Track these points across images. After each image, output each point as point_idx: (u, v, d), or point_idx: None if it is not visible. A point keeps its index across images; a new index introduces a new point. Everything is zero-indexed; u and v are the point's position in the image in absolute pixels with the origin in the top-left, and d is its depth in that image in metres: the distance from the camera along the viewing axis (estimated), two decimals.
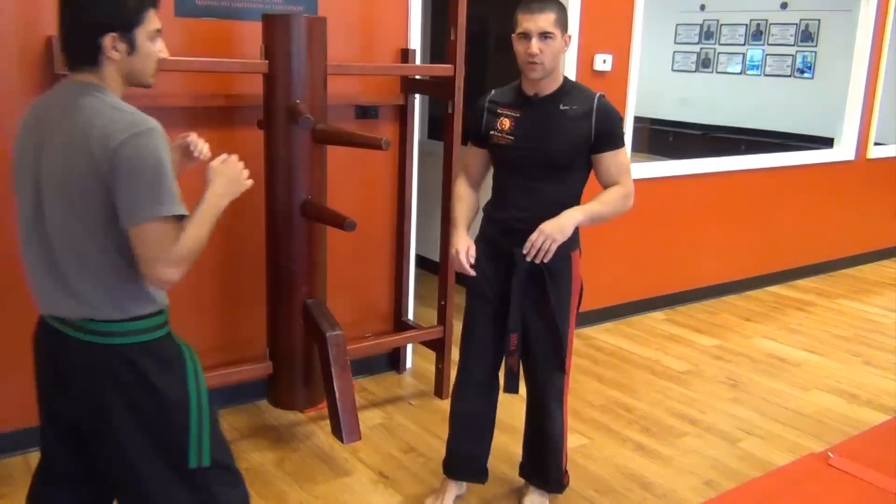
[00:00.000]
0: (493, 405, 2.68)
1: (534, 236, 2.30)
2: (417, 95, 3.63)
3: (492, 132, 2.44)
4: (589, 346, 4.35)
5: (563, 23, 2.33)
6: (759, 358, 4.30)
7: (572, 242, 2.45)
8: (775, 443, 3.34)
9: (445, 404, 2.55)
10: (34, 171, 1.63)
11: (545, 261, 2.32)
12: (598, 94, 2.41)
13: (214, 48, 3.05)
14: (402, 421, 3.39)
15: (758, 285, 5.54)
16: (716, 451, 3.25)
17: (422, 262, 4.42)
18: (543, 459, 2.69)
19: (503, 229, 2.47)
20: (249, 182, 1.80)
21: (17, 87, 2.76)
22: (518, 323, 2.46)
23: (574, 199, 2.45)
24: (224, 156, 1.78)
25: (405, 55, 3.55)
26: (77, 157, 1.55)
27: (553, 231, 2.29)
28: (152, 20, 1.63)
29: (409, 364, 3.94)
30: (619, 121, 2.42)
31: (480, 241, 2.51)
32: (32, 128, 1.66)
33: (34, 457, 2.95)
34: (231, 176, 1.76)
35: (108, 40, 1.58)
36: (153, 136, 1.56)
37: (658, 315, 4.90)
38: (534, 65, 2.31)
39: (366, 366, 3.80)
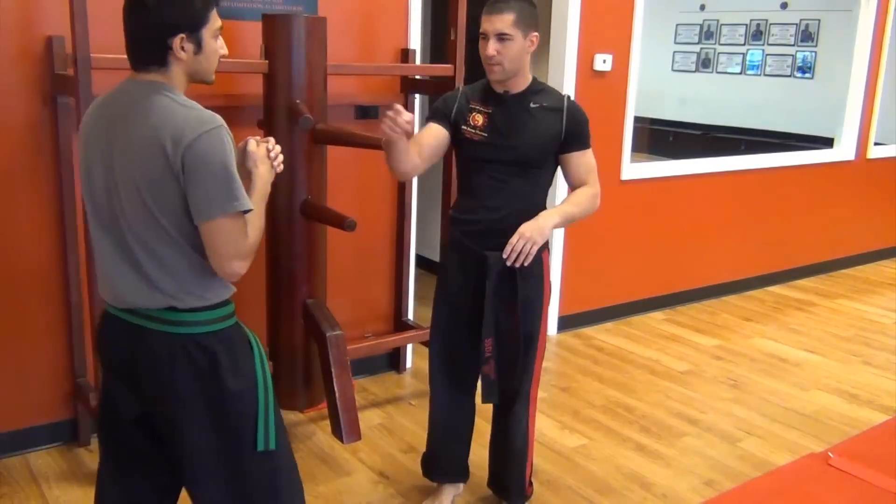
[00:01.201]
0: (471, 412, 2.67)
1: (514, 239, 2.25)
2: (417, 95, 3.63)
3: (463, 127, 2.38)
4: (589, 346, 4.35)
5: (524, 23, 2.27)
6: (759, 358, 4.30)
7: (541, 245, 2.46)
8: (775, 443, 3.34)
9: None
10: (106, 171, 1.65)
11: (525, 264, 2.28)
12: (566, 96, 2.42)
13: None
14: (402, 421, 3.39)
15: (758, 285, 5.54)
16: (716, 451, 3.25)
17: (422, 262, 4.43)
18: (505, 469, 2.66)
19: (474, 231, 2.42)
20: (281, 167, 1.85)
21: (17, 87, 2.76)
22: (492, 328, 2.41)
23: (542, 198, 2.46)
24: (254, 140, 1.82)
25: (405, 55, 3.56)
26: (151, 156, 1.58)
27: (533, 233, 2.26)
28: (215, 19, 1.67)
29: (409, 364, 3.94)
30: (587, 122, 2.42)
31: (450, 252, 2.51)
32: (100, 128, 1.68)
33: (34, 457, 2.97)
34: (264, 158, 1.81)
35: (177, 41, 1.62)
36: (222, 134, 1.60)
37: (658, 315, 4.90)
38: (492, 66, 2.29)
39: (366, 366, 3.80)
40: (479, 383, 2.52)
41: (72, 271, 2.93)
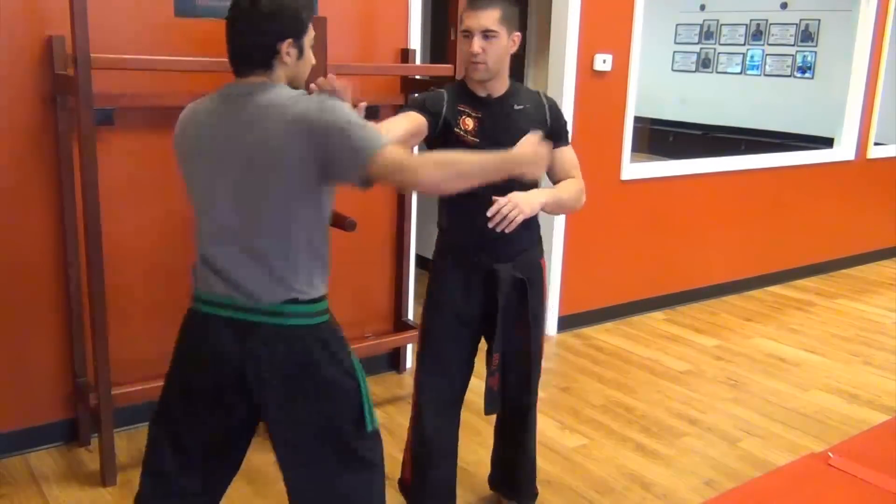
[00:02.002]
0: (458, 429, 2.55)
1: (503, 201, 2.11)
2: (417, 95, 3.62)
3: (455, 129, 2.26)
4: (589, 346, 4.35)
5: (509, 21, 2.21)
6: (759, 358, 4.30)
7: (540, 247, 2.44)
8: (775, 443, 3.34)
9: (471, 399, 2.52)
10: (232, 169, 1.70)
11: (507, 231, 2.14)
12: (541, 92, 2.39)
13: (214, 48, 3.03)
14: (402, 421, 3.38)
15: (758, 285, 5.54)
16: (716, 451, 3.25)
17: (422, 262, 4.42)
18: (520, 473, 2.65)
19: (476, 243, 2.33)
20: (540, 171, 1.89)
21: (17, 87, 2.76)
22: (501, 342, 2.37)
23: None
24: (538, 135, 1.89)
25: (405, 55, 3.56)
26: (283, 144, 1.64)
27: (522, 202, 2.12)
28: (311, 29, 1.79)
29: (409, 364, 3.93)
30: (564, 117, 2.42)
31: (449, 268, 2.40)
32: (215, 128, 1.74)
33: (34, 457, 2.97)
34: (532, 157, 1.83)
35: (285, 46, 1.72)
36: (335, 99, 1.70)
37: (658, 315, 4.90)
38: (476, 65, 2.21)
39: (366, 366, 3.74)
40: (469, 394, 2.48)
41: (72, 271, 2.93)
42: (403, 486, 2.62)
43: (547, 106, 2.36)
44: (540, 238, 2.48)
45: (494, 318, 2.36)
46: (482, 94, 2.30)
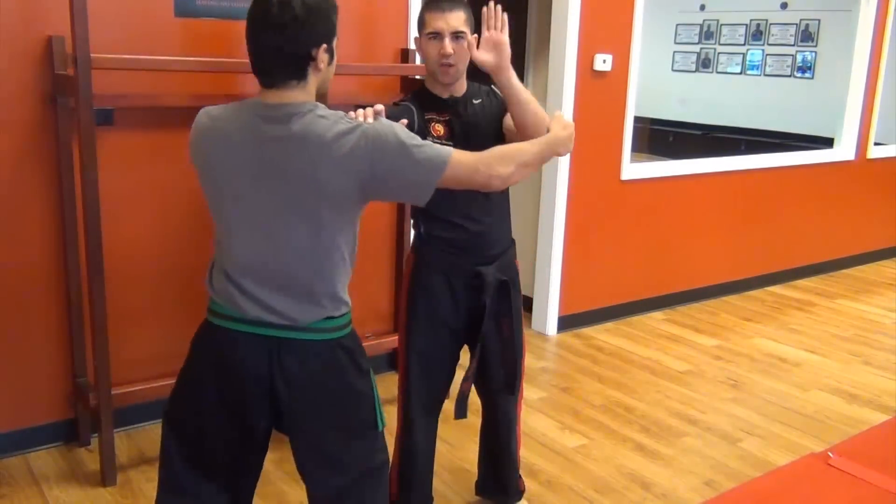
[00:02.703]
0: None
1: (492, 5, 2.08)
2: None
3: (429, 138, 2.15)
4: (589, 346, 4.35)
5: (471, 23, 2.21)
6: (759, 358, 4.30)
7: (514, 245, 2.44)
8: (775, 443, 3.34)
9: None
10: (262, 196, 1.64)
11: (500, 30, 2.10)
12: (490, 86, 2.35)
13: (214, 48, 3.05)
14: None
15: (758, 285, 5.54)
16: (716, 451, 3.25)
17: None
18: (506, 473, 2.65)
19: (460, 247, 2.31)
20: (570, 148, 1.97)
21: (17, 87, 2.76)
22: (483, 347, 2.37)
23: (508, 205, 2.40)
24: (562, 113, 2.02)
25: (405, 55, 3.56)
26: (322, 176, 1.60)
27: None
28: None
29: None
30: None
31: (432, 278, 2.34)
32: (245, 149, 1.65)
33: (34, 457, 2.97)
34: (570, 134, 1.94)
35: (320, 52, 1.65)
36: (382, 119, 1.70)
37: (658, 315, 4.90)
38: (448, 66, 2.18)
39: None
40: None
41: (72, 271, 2.93)
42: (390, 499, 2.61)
43: (496, 94, 2.33)
44: (513, 239, 2.47)
45: (476, 322, 2.34)
46: (445, 95, 2.27)
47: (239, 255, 1.71)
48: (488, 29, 2.11)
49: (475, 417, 2.70)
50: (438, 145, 1.72)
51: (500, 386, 2.48)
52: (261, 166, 1.64)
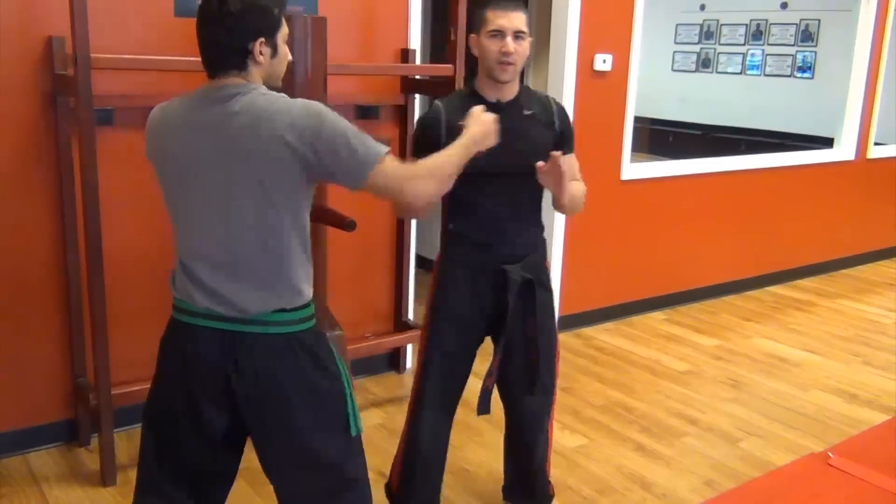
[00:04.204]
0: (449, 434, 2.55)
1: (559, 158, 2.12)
2: (417, 95, 3.63)
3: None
4: (589, 346, 4.35)
5: (530, 25, 2.26)
6: (759, 358, 4.30)
7: (543, 245, 2.44)
8: (775, 443, 3.34)
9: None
10: (212, 177, 1.67)
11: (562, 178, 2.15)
12: (550, 97, 2.38)
13: None
14: (402, 421, 3.38)
15: (758, 285, 5.54)
16: (716, 451, 3.25)
17: (422, 262, 4.42)
18: (535, 477, 2.63)
19: (485, 247, 2.33)
20: (494, 140, 1.96)
21: (17, 87, 2.76)
22: (506, 344, 2.37)
23: (540, 203, 2.40)
24: (481, 108, 1.97)
25: (405, 55, 3.56)
26: (272, 152, 1.62)
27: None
28: (285, 24, 1.76)
29: (409, 364, 3.94)
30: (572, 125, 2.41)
31: (457, 273, 2.37)
32: (193, 135, 1.69)
33: (34, 457, 2.97)
34: (487, 129, 1.93)
35: (257, 45, 1.69)
36: (322, 105, 1.69)
37: (658, 315, 4.90)
38: (506, 65, 2.19)
39: (366, 366, 3.80)
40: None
41: (72, 271, 2.93)
42: (390, 491, 2.60)
43: (556, 111, 2.34)
44: (545, 241, 2.47)
45: (500, 320, 2.36)
46: (493, 98, 2.26)
47: (191, 241, 1.74)
48: (556, 164, 2.13)
49: (480, 420, 2.70)
50: (381, 144, 1.70)
51: (522, 385, 2.47)
52: (207, 147, 1.67)
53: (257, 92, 1.68)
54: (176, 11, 2.95)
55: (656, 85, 7.35)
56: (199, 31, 1.71)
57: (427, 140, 2.21)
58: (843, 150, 5.84)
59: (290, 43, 2.75)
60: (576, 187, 2.34)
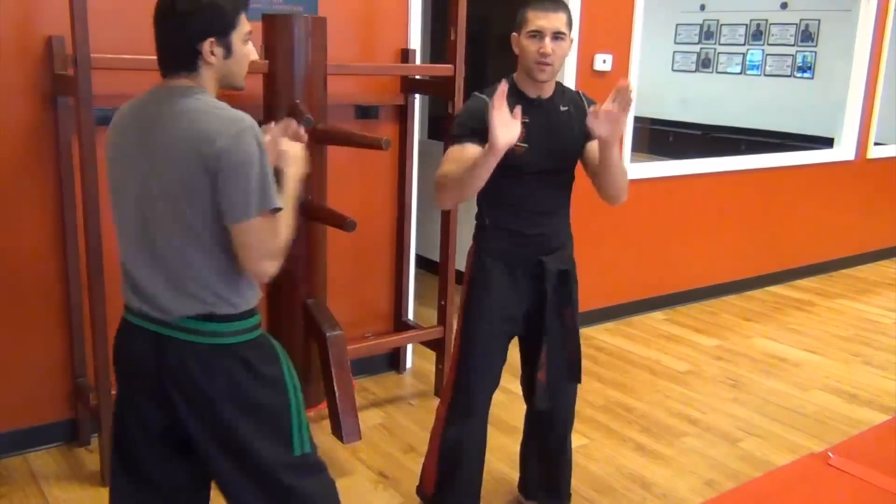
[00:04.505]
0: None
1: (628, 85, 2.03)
2: (417, 95, 3.63)
3: None
4: (589, 346, 4.35)
5: (571, 25, 2.27)
6: (759, 358, 4.30)
7: (571, 239, 2.47)
8: (775, 443, 3.34)
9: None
10: (140, 180, 1.65)
11: (623, 110, 2.04)
12: (580, 92, 2.42)
13: None
14: (402, 421, 3.39)
15: (758, 285, 5.54)
16: (716, 451, 3.25)
17: (422, 262, 4.42)
18: (560, 472, 2.64)
19: (523, 241, 2.36)
20: (306, 167, 1.87)
21: (17, 87, 2.76)
22: (549, 335, 2.40)
23: (570, 202, 2.44)
24: (282, 127, 1.90)
25: (405, 55, 3.56)
26: (185, 159, 1.59)
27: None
28: (244, 23, 1.70)
29: (409, 364, 3.94)
30: None
31: (493, 268, 2.37)
32: (130, 136, 1.68)
33: (34, 457, 2.97)
34: (299, 164, 1.84)
35: (207, 45, 1.64)
36: (253, 133, 1.61)
37: (658, 315, 4.90)
38: (544, 66, 2.20)
39: (366, 366, 3.80)
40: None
41: (72, 271, 2.93)
42: (424, 494, 2.61)
43: (587, 106, 2.33)
44: (571, 234, 2.49)
45: (535, 314, 2.38)
46: (533, 95, 2.29)
47: (123, 242, 1.73)
48: (613, 101, 2.05)
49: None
50: (277, 201, 1.63)
51: (562, 375, 2.48)
52: (134, 149, 1.66)
53: (196, 97, 1.64)
54: None
55: (656, 85, 7.35)
56: (154, 30, 1.68)
57: (475, 126, 2.16)
58: (843, 150, 5.84)
59: (290, 43, 2.77)
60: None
